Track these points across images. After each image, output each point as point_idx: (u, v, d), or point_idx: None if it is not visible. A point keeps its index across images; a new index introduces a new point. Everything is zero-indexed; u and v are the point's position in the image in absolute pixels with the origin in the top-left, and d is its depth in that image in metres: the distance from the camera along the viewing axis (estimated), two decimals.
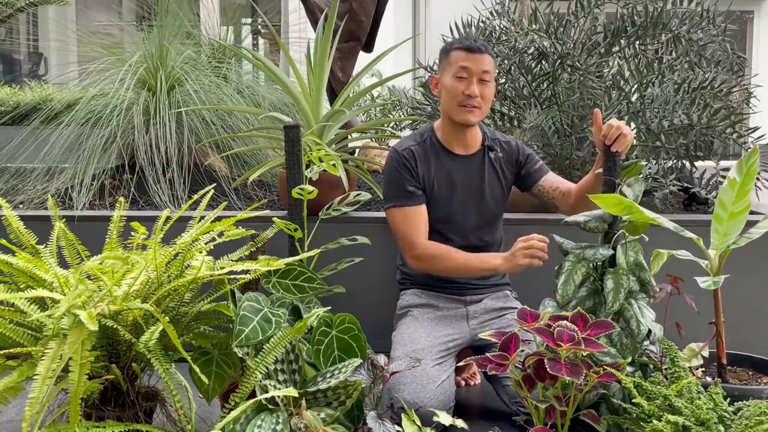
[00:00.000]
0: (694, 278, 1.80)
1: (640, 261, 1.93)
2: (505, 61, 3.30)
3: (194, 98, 3.18)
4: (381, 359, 1.81)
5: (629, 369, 1.87)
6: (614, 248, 1.92)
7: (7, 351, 1.58)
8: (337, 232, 2.34)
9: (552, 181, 2.26)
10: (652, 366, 1.89)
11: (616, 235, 1.93)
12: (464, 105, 2.13)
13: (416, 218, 2.15)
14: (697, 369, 1.96)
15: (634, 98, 3.10)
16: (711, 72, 3.09)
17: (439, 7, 7.34)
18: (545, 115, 3.11)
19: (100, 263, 1.73)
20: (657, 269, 1.92)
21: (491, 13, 3.60)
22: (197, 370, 1.66)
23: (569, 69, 3.17)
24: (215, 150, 3.31)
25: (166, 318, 1.58)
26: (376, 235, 2.45)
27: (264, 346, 1.71)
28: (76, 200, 2.87)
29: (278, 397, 1.62)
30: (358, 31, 3.27)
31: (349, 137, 3.02)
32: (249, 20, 5.93)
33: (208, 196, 2.04)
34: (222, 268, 1.77)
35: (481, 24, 3.57)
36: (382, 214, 2.79)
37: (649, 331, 1.88)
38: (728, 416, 1.59)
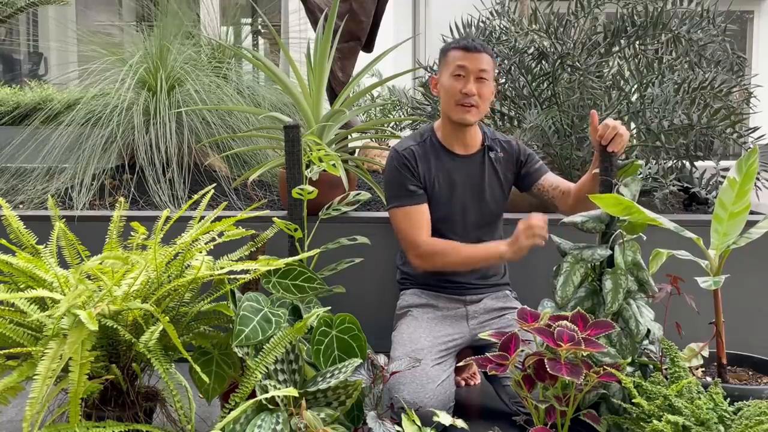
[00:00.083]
0: (694, 278, 1.80)
1: (638, 261, 1.93)
2: (505, 61, 3.30)
3: (194, 98, 3.18)
4: (381, 359, 1.81)
5: (629, 369, 1.87)
6: (612, 248, 1.92)
7: (7, 351, 1.58)
8: (337, 232, 2.34)
9: (552, 180, 2.26)
10: (651, 366, 1.89)
11: (613, 235, 1.93)
12: (462, 104, 2.13)
13: (418, 217, 2.15)
14: (697, 369, 1.96)
15: (634, 98, 3.10)
16: (711, 72, 3.09)
17: (439, 7, 7.33)
18: (545, 115, 3.11)
19: (100, 263, 1.73)
20: (656, 269, 1.92)
21: (491, 13, 3.60)
22: (198, 369, 1.66)
23: (569, 69, 3.17)
24: (215, 150, 3.31)
25: (166, 318, 1.58)
26: (376, 235, 2.45)
27: (264, 346, 1.71)
28: (76, 200, 2.87)
29: (278, 397, 1.62)
30: (358, 31, 3.28)
31: (349, 137, 3.02)
32: (249, 20, 5.93)
33: (208, 196, 2.04)
34: (222, 268, 1.77)
35: (481, 24, 3.57)
36: (382, 214, 2.79)
37: (648, 330, 1.88)
38: (728, 416, 1.59)
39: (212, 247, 1.84)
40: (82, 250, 1.91)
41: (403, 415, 1.75)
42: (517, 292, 2.37)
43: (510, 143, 2.31)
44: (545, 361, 1.65)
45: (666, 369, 1.78)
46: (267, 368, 1.68)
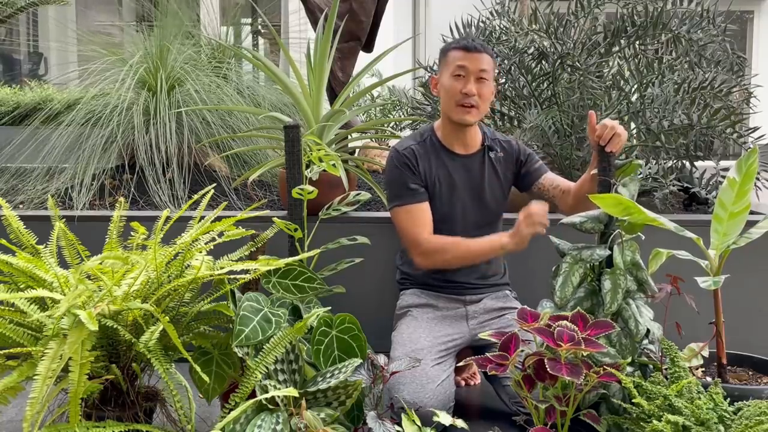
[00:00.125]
0: (694, 278, 1.80)
1: (637, 260, 1.93)
2: (505, 61, 3.30)
3: (194, 98, 3.18)
4: (381, 359, 1.81)
5: (629, 369, 1.87)
6: (611, 248, 1.92)
7: (7, 351, 1.58)
8: (337, 232, 2.34)
9: (552, 179, 2.27)
10: (651, 366, 1.89)
11: (612, 235, 1.93)
12: (462, 104, 2.14)
13: (420, 215, 2.15)
14: (697, 369, 1.96)
15: (634, 98, 3.10)
16: (711, 72, 3.09)
17: (439, 7, 7.33)
18: (545, 115, 3.11)
19: (100, 263, 1.73)
20: (655, 268, 1.92)
21: (491, 13, 3.60)
22: (198, 369, 1.66)
23: (569, 69, 3.17)
24: (215, 150, 3.31)
25: (166, 318, 1.58)
26: (376, 235, 2.45)
27: (264, 346, 1.71)
28: (76, 200, 2.87)
29: (278, 397, 1.62)
30: (358, 31, 3.28)
31: (349, 137, 3.02)
32: (249, 20, 5.93)
33: (208, 196, 2.04)
34: (222, 268, 1.77)
35: (481, 24, 3.57)
36: (382, 214, 2.79)
37: (648, 330, 1.88)
38: (728, 416, 1.59)
39: (212, 247, 1.84)
40: (82, 250, 1.91)
41: (403, 415, 1.75)
42: (516, 293, 2.37)
43: (510, 143, 2.31)
44: (545, 361, 1.65)
45: (666, 369, 1.78)
46: (267, 368, 1.68)
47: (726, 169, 2.63)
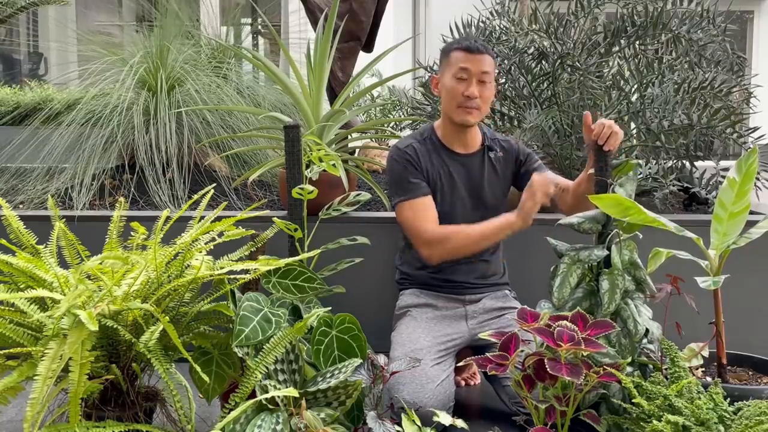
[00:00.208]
0: (694, 278, 1.80)
1: (635, 260, 1.93)
2: (505, 61, 3.30)
3: (194, 98, 3.18)
4: (381, 359, 1.81)
5: (628, 369, 1.87)
6: (609, 248, 1.92)
7: (7, 351, 1.58)
8: (337, 232, 2.34)
9: (551, 177, 2.27)
10: (651, 366, 1.89)
11: (610, 235, 1.92)
12: (464, 106, 2.14)
13: (424, 209, 2.15)
14: (697, 369, 1.96)
15: (634, 98, 3.10)
16: (711, 72, 3.09)
17: (439, 7, 7.34)
18: (545, 115, 3.11)
19: (100, 263, 1.73)
20: (654, 267, 1.92)
21: (491, 13, 3.60)
22: (198, 369, 1.66)
23: (569, 69, 3.17)
24: (215, 150, 3.31)
25: (167, 318, 1.58)
26: (376, 235, 2.45)
27: (264, 346, 1.71)
28: (76, 200, 2.87)
29: (278, 397, 1.62)
30: (358, 31, 3.28)
31: (349, 137, 3.02)
32: (249, 20, 5.93)
33: (208, 196, 2.04)
34: (222, 268, 1.77)
35: (481, 24, 3.57)
36: (382, 214, 2.79)
37: (647, 330, 1.88)
38: (728, 416, 1.59)
39: (212, 247, 1.84)
40: (82, 250, 1.91)
41: (403, 415, 1.75)
42: (516, 293, 2.36)
43: (509, 143, 2.32)
44: (545, 361, 1.65)
45: (666, 369, 1.78)
46: (267, 368, 1.68)
47: (726, 169, 2.63)
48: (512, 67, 3.32)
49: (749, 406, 1.62)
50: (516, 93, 3.36)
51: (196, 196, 2.03)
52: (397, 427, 1.67)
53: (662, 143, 3.01)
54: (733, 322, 2.19)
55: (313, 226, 2.25)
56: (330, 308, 1.86)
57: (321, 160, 2.19)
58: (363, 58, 3.32)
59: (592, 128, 1.99)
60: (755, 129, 3.08)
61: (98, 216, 2.72)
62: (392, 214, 2.43)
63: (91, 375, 1.58)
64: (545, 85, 3.31)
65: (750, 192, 1.84)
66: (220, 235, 1.90)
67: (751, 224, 1.91)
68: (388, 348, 2.13)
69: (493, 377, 2.13)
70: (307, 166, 2.23)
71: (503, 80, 3.38)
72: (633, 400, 1.67)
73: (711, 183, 3.11)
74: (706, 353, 1.90)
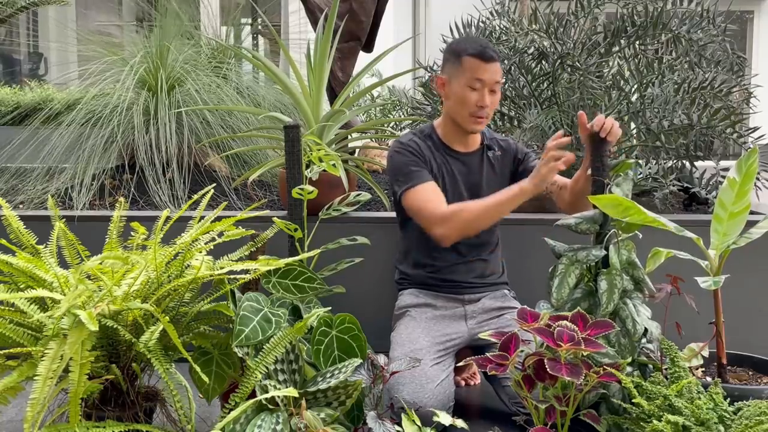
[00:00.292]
0: (694, 278, 1.80)
1: (633, 259, 1.92)
2: (505, 61, 3.30)
3: (194, 98, 3.18)
4: (381, 359, 1.81)
5: (628, 369, 1.87)
6: (607, 248, 1.92)
7: (7, 351, 1.58)
8: (337, 232, 2.34)
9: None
10: (651, 366, 1.89)
11: (608, 235, 1.92)
12: (476, 116, 2.15)
13: (432, 191, 2.14)
14: (697, 369, 1.96)
15: (634, 98, 3.10)
16: (711, 72, 3.09)
17: (439, 7, 7.34)
18: (545, 115, 3.11)
19: (100, 263, 1.73)
20: (653, 267, 1.92)
21: (491, 13, 3.60)
22: (198, 369, 1.66)
23: (569, 69, 3.17)
24: (215, 150, 3.31)
25: (167, 318, 1.58)
26: (376, 235, 2.45)
27: (264, 346, 1.71)
28: (76, 200, 2.87)
29: (278, 397, 1.62)
30: (358, 31, 3.28)
31: (349, 137, 3.02)
32: (249, 20, 5.93)
33: (208, 196, 2.04)
34: (222, 268, 1.76)
35: (481, 24, 3.57)
36: (382, 214, 2.79)
37: (646, 329, 1.88)
38: (728, 416, 1.59)
39: (212, 247, 1.84)
40: (82, 250, 1.91)
41: (403, 415, 1.75)
42: (515, 293, 2.36)
43: (507, 142, 2.34)
44: (545, 361, 1.65)
45: (666, 369, 1.78)
46: (267, 368, 1.68)
47: (726, 169, 2.63)
48: (512, 67, 3.32)
49: (749, 406, 1.62)
50: (516, 93, 3.36)
51: (196, 196, 2.03)
52: (397, 427, 1.67)
53: (662, 143, 3.01)
54: (733, 322, 2.19)
55: (313, 226, 2.25)
56: (330, 308, 1.86)
57: (321, 160, 2.19)
58: (363, 58, 3.32)
59: (588, 127, 1.99)
60: (755, 129, 3.08)
61: (98, 216, 2.72)
62: (392, 214, 2.44)
63: (91, 375, 1.58)
64: (545, 85, 3.31)
65: (750, 192, 1.84)
66: (220, 235, 1.90)
67: (751, 224, 1.91)
68: (388, 348, 2.13)
69: (493, 377, 2.13)
70: (307, 166, 2.23)
71: (503, 80, 3.38)
72: (633, 400, 1.67)
73: (711, 183, 3.11)
74: (706, 353, 1.90)
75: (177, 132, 3.08)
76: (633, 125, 3.11)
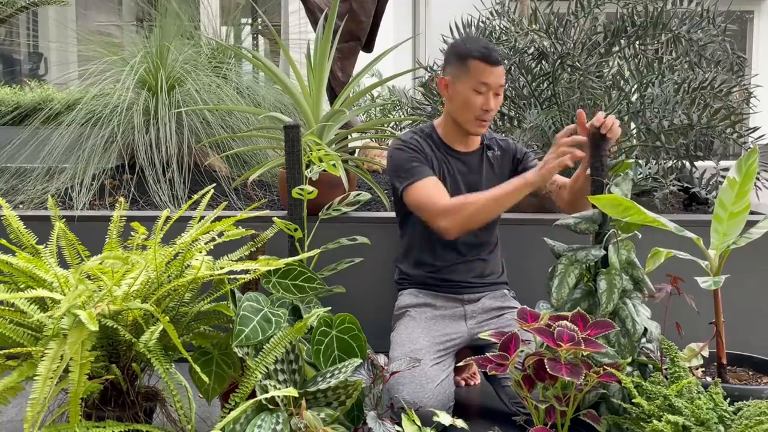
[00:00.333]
0: (694, 278, 1.80)
1: (632, 259, 1.92)
2: (505, 61, 3.30)
3: (194, 98, 3.18)
4: (381, 359, 1.81)
5: (628, 369, 1.87)
6: (606, 248, 1.92)
7: (7, 351, 1.58)
8: (337, 232, 2.34)
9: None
10: (651, 366, 1.89)
11: (607, 235, 1.92)
12: (481, 119, 2.16)
13: (434, 185, 2.13)
14: (697, 369, 1.96)
15: (634, 98, 3.10)
16: (711, 72, 3.10)
17: (439, 7, 7.34)
18: (545, 115, 3.11)
19: (100, 263, 1.73)
20: (653, 267, 1.92)
21: (491, 13, 3.60)
22: (198, 369, 1.66)
23: (569, 69, 3.17)
24: (215, 150, 3.31)
25: (167, 318, 1.58)
26: (376, 235, 2.45)
27: (264, 346, 1.71)
28: (76, 200, 2.87)
29: (278, 397, 1.62)
30: (358, 31, 3.28)
31: (349, 137, 3.02)
32: (249, 20, 5.93)
33: (208, 196, 2.04)
34: (222, 268, 1.76)
35: (481, 24, 3.57)
36: (382, 214, 2.79)
37: (646, 329, 1.88)
38: (728, 416, 1.59)
39: (212, 247, 1.84)
40: (82, 250, 1.91)
41: (403, 415, 1.75)
42: (515, 293, 2.36)
43: (507, 142, 2.35)
44: (545, 361, 1.65)
45: (666, 369, 1.78)
46: (267, 368, 1.68)
47: (726, 169, 2.63)
48: (512, 67, 3.32)
49: (749, 406, 1.62)
50: (516, 93, 3.36)
51: (196, 196, 2.03)
52: (397, 427, 1.67)
53: (662, 143, 3.01)
54: (733, 322, 2.19)
55: (313, 226, 2.25)
56: (330, 308, 1.86)
57: (321, 160, 2.19)
58: (363, 58, 3.32)
59: (587, 126, 1.99)
60: (755, 129, 3.08)
61: (98, 216, 2.72)
62: (392, 215, 2.44)
63: (91, 375, 1.58)
64: (545, 85, 3.31)
65: (750, 192, 1.84)
66: (220, 235, 1.90)
67: (751, 224, 1.91)
68: (388, 348, 2.13)
69: (493, 377, 2.13)
70: (307, 166, 2.23)
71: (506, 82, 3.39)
72: (633, 400, 1.67)
73: (711, 183, 3.11)
74: (706, 353, 1.90)
75: (177, 132, 3.08)
76: (633, 125, 3.11)
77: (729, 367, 1.97)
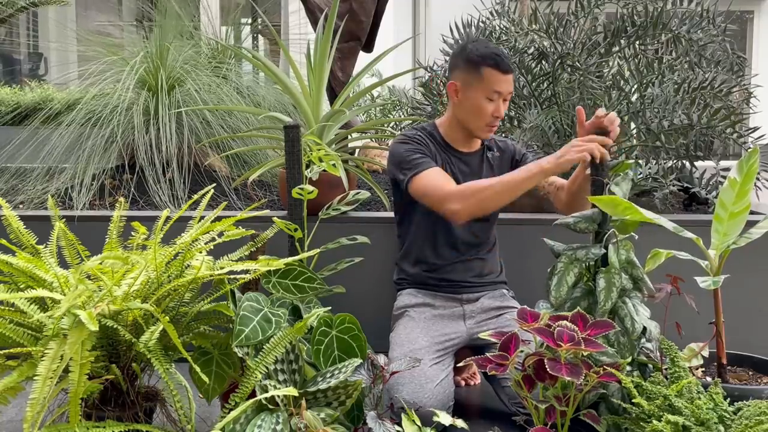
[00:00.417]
0: (694, 278, 1.80)
1: (631, 259, 1.92)
2: None
3: (194, 98, 3.18)
4: (381, 359, 1.81)
5: (628, 368, 1.87)
6: (606, 247, 1.92)
7: (7, 351, 1.58)
8: (337, 232, 2.34)
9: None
10: (651, 366, 1.89)
11: (607, 234, 1.92)
12: (491, 125, 2.17)
13: (439, 175, 2.13)
14: (697, 369, 1.96)
15: (634, 98, 3.10)
16: (711, 72, 3.09)
17: (439, 7, 7.34)
18: (545, 115, 3.11)
19: (100, 263, 1.73)
20: (652, 267, 1.92)
21: (491, 13, 3.60)
22: (198, 369, 1.66)
23: (569, 69, 3.17)
24: (215, 150, 3.31)
25: (167, 318, 1.58)
26: (375, 235, 2.45)
27: (264, 346, 1.71)
28: (76, 200, 2.87)
29: (278, 397, 1.62)
30: (358, 31, 3.28)
31: (349, 137, 3.02)
32: (249, 20, 5.93)
33: (208, 196, 2.04)
34: (222, 268, 1.76)
35: (481, 24, 3.57)
36: (382, 214, 2.79)
37: (645, 328, 1.88)
38: (728, 416, 1.59)
39: (212, 247, 1.84)
40: (82, 250, 1.91)
41: (403, 415, 1.75)
42: (514, 292, 2.36)
43: (506, 143, 2.36)
44: (545, 361, 1.65)
45: (666, 369, 1.78)
46: (267, 368, 1.68)
47: (726, 169, 2.63)
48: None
49: (749, 406, 1.62)
50: (516, 93, 3.36)
51: (196, 196, 2.03)
52: (397, 427, 1.67)
53: (662, 143, 3.01)
54: (733, 322, 2.19)
55: (313, 226, 2.25)
56: (330, 308, 1.86)
57: (321, 160, 2.19)
58: (363, 58, 3.32)
59: (585, 124, 1.99)
60: (755, 129, 3.08)
61: (98, 216, 2.72)
62: (391, 214, 2.44)
63: (91, 375, 1.58)
64: (545, 85, 3.31)
65: (750, 192, 1.84)
66: (220, 235, 1.90)
67: (751, 224, 1.91)
68: (387, 348, 2.13)
69: (492, 377, 2.13)
70: (307, 166, 2.23)
71: None
72: (633, 400, 1.67)
73: (711, 183, 3.11)
74: (706, 353, 1.90)
75: (177, 132, 3.08)
76: (633, 125, 3.11)
77: (729, 367, 1.97)
